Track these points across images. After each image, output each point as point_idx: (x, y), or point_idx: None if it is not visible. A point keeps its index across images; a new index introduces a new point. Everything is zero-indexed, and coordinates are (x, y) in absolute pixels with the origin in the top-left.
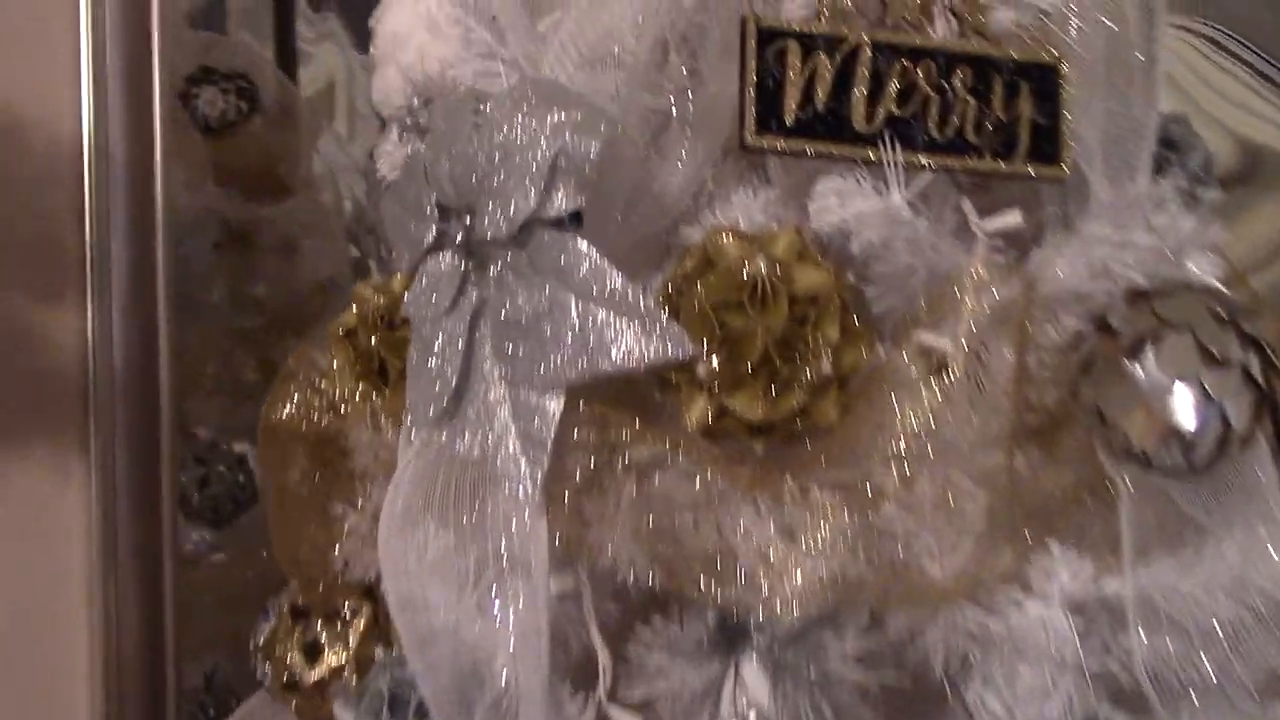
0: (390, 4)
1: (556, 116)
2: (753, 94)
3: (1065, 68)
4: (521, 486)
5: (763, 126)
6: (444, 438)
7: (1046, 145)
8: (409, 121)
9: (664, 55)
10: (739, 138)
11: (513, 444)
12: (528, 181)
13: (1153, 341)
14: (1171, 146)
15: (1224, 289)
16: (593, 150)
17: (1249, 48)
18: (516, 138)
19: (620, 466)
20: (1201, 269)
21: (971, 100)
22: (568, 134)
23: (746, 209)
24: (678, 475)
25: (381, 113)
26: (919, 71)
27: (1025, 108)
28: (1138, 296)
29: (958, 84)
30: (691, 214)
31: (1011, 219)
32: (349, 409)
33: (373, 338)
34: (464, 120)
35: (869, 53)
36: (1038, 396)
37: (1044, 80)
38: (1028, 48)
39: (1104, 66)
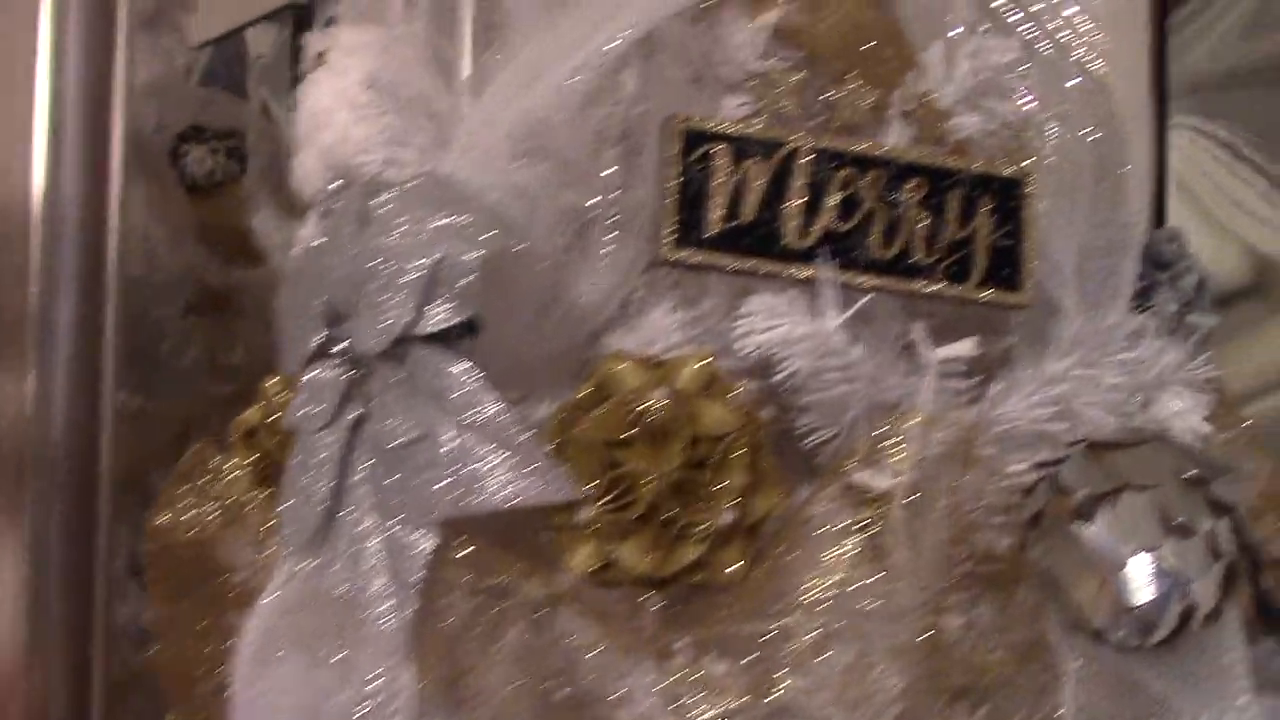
0: (313, 80)
1: (441, 220)
2: (673, 202)
3: (1033, 181)
4: (388, 629)
5: (682, 238)
6: (312, 567)
7: (1007, 268)
8: (324, 208)
9: (598, 150)
10: (655, 250)
11: (381, 582)
12: (405, 292)
13: (1108, 502)
14: (1163, 266)
15: (1196, 442)
16: (475, 260)
17: (1266, 154)
18: (398, 241)
19: (502, 613)
20: (1184, 407)
21: (923, 215)
22: (451, 241)
23: (663, 328)
24: (562, 626)
25: (301, 196)
26: (865, 181)
27: (984, 226)
28: (1096, 448)
29: (908, 197)
30: (614, 326)
31: (965, 347)
32: (238, 519)
33: (274, 439)
34: (355, 216)
35: (809, 159)
36: (987, 546)
37: (1006, 195)
38: (993, 158)
39: (1083, 180)
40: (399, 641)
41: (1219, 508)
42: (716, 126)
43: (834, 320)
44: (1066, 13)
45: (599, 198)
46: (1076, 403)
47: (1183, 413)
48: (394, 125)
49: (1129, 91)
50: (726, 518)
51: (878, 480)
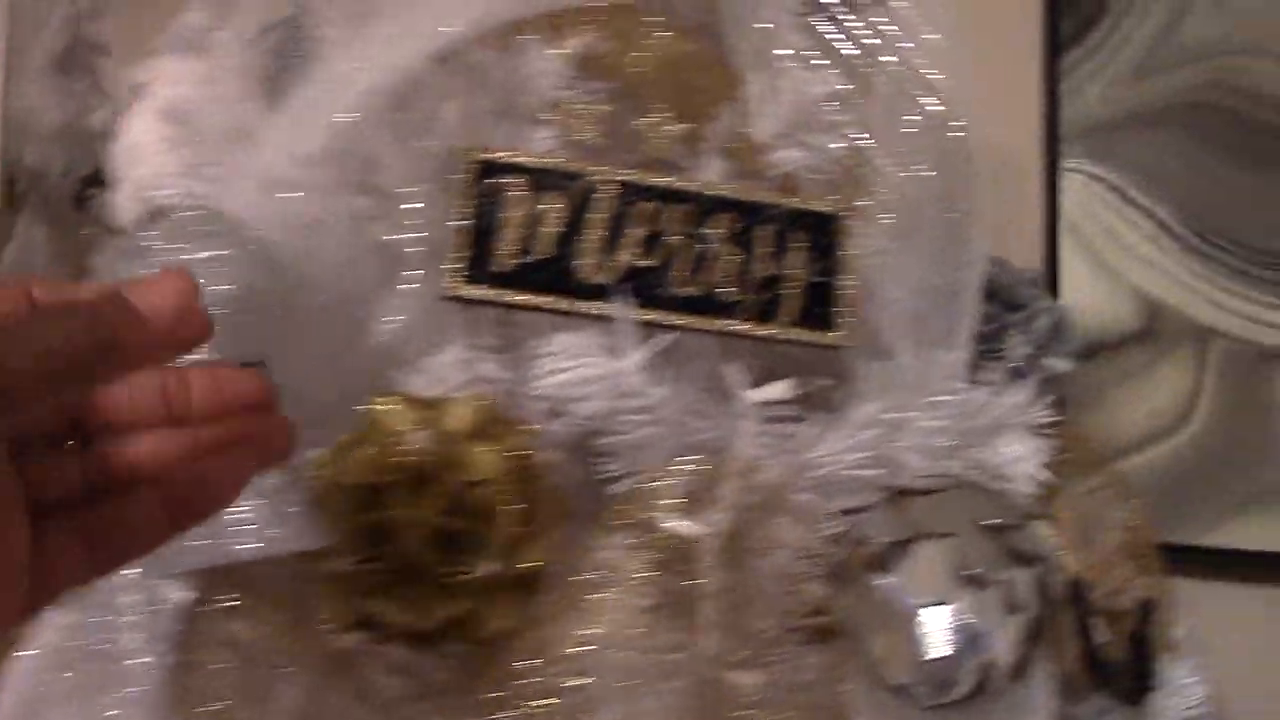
0: (132, 115)
1: (201, 254)
2: (462, 236)
3: (851, 218)
4: (144, 685)
5: (470, 273)
6: (69, 620)
7: (819, 307)
8: (131, 244)
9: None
10: (442, 285)
11: (137, 637)
12: None
13: (903, 552)
14: (1015, 308)
15: (1033, 488)
16: (229, 292)
17: (1153, 196)
18: None
19: (273, 670)
20: (1021, 452)
21: (732, 252)
22: (206, 274)
23: (452, 368)
24: (327, 684)
25: (118, 229)
26: (670, 216)
27: (796, 263)
28: (898, 496)
29: (716, 232)
30: (407, 366)
31: (779, 389)
32: None
33: None
34: (134, 249)
35: (611, 192)
36: (796, 599)
37: (821, 232)
38: (820, 195)
39: (920, 219)
40: (156, 698)
41: (1021, 558)
42: (511, 158)
43: (632, 360)
44: (904, 47)
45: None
46: (894, 447)
47: (1020, 458)
48: (191, 156)
49: (1020, 134)
50: (489, 569)
51: (686, 528)
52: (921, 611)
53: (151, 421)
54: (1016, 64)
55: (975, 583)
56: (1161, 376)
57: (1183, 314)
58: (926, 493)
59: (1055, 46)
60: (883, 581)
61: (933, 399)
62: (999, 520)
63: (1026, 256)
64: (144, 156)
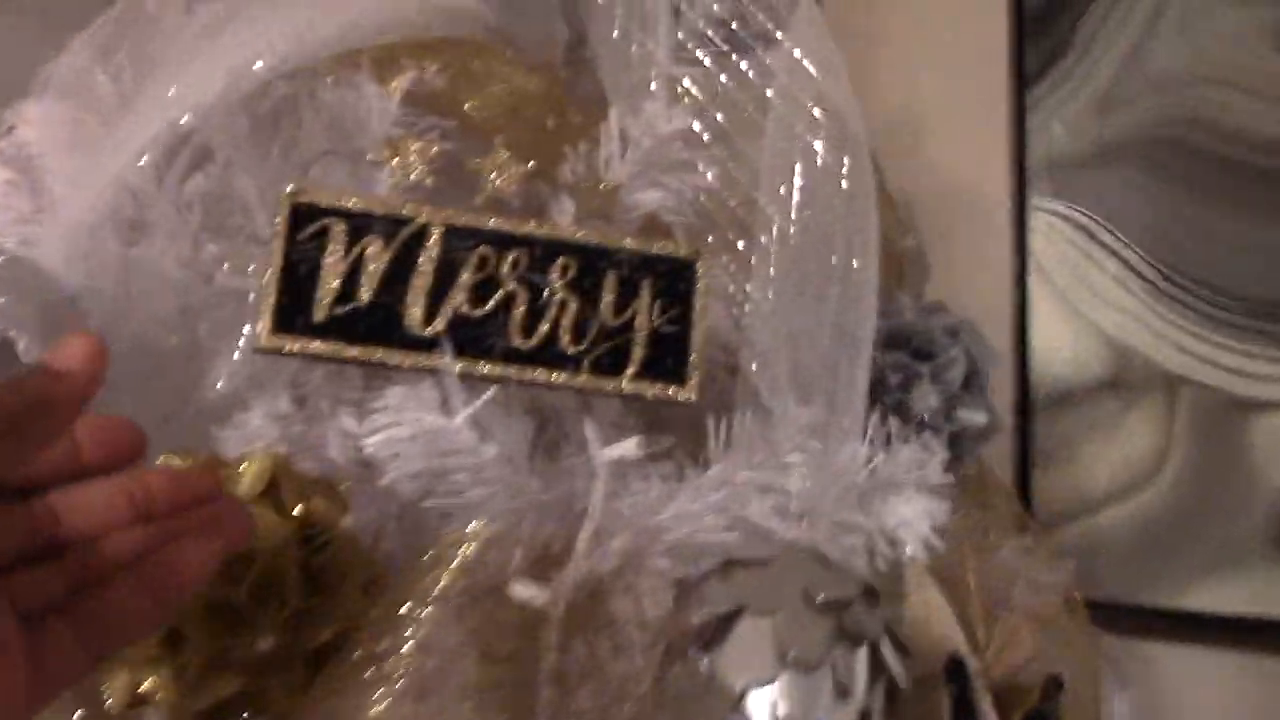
0: None
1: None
2: (275, 283)
3: (707, 263)
4: None
5: (284, 323)
6: None
7: (671, 359)
8: None
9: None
10: (254, 336)
11: None
12: None
13: (729, 629)
14: (924, 356)
15: (924, 552)
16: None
17: (1118, 236)
18: None
19: None
20: (912, 514)
21: (573, 300)
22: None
23: (257, 424)
24: None
25: None
26: (505, 262)
27: (644, 311)
28: (729, 565)
29: (555, 279)
30: (225, 422)
31: (629, 447)
32: None
33: None
34: None
35: (439, 236)
36: (634, 672)
37: (674, 279)
38: (686, 238)
39: (805, 265)
40: None
41: (854, 638)
42: (330, 200)
43: (460, 416)
44: (793, 87)
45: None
46: (750, 510)
47: (910, 520)
48: (21, 203)
49: (988, 172)
50: (264, 645)
51: (534, 594)
52: (745, 692)
53: (120, 524)
54: (984, 97)
55: (798, 664)
56: (1130, 427)
57: (1151, 361)
58: (760, 562)
59: (1022, 79)
60: (706, 658)
61: (796, 457)
62: (832, 595)
63: (995, 299)
64: None
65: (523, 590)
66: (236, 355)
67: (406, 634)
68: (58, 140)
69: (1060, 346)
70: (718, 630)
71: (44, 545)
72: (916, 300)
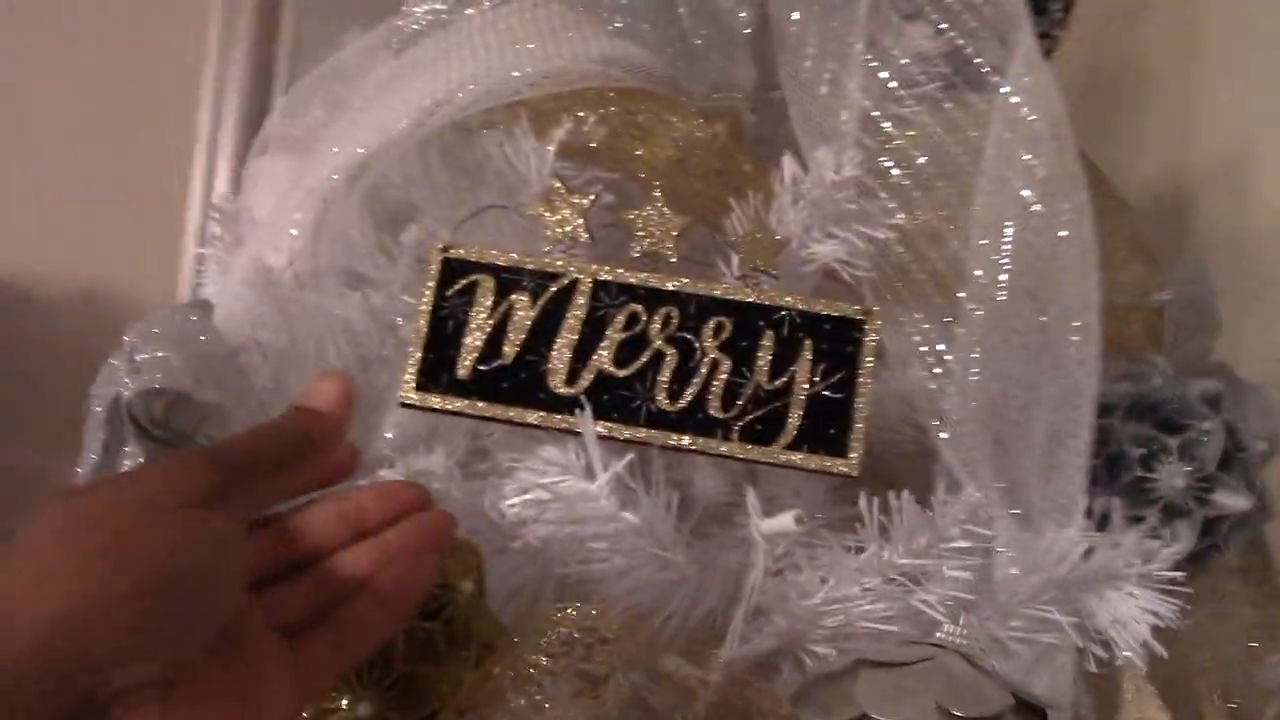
0: None
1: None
2: (421, 338)
3: (875, 323)
4: None
5: (429, 379)
6: None
7: (832, 428)
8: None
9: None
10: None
11: None
12: None
13: None
14: (1173, 429)
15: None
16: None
17: None
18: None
19: None
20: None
21: (726, 361)
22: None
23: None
24: None
25: None
26: (655, 319)
27: (804, 374)
28: (860, 665)
29: (708, 339)
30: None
31: (786, 522)
32: None
33: None
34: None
35: (588, 292)
36: None
37: (840, 339)
38: (833, 295)
39: (1012, 319)
40: None
41: None
42: (479, 255)
43: (600, 480)
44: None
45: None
46: (915, 599)
47: (1125, 619)
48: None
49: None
50: (362, 711)
51: (687, 670)
52: None
53: (339, 540)
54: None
55: None
56: None
57: None
58: (897, 664)
59: None
60: None
61: (962, 543)
62: (969, 711)
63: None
64: None
65: (678, 665)
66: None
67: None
68: (262, 191)
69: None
70: None
71: (284, 565)
72: (1205, 358)
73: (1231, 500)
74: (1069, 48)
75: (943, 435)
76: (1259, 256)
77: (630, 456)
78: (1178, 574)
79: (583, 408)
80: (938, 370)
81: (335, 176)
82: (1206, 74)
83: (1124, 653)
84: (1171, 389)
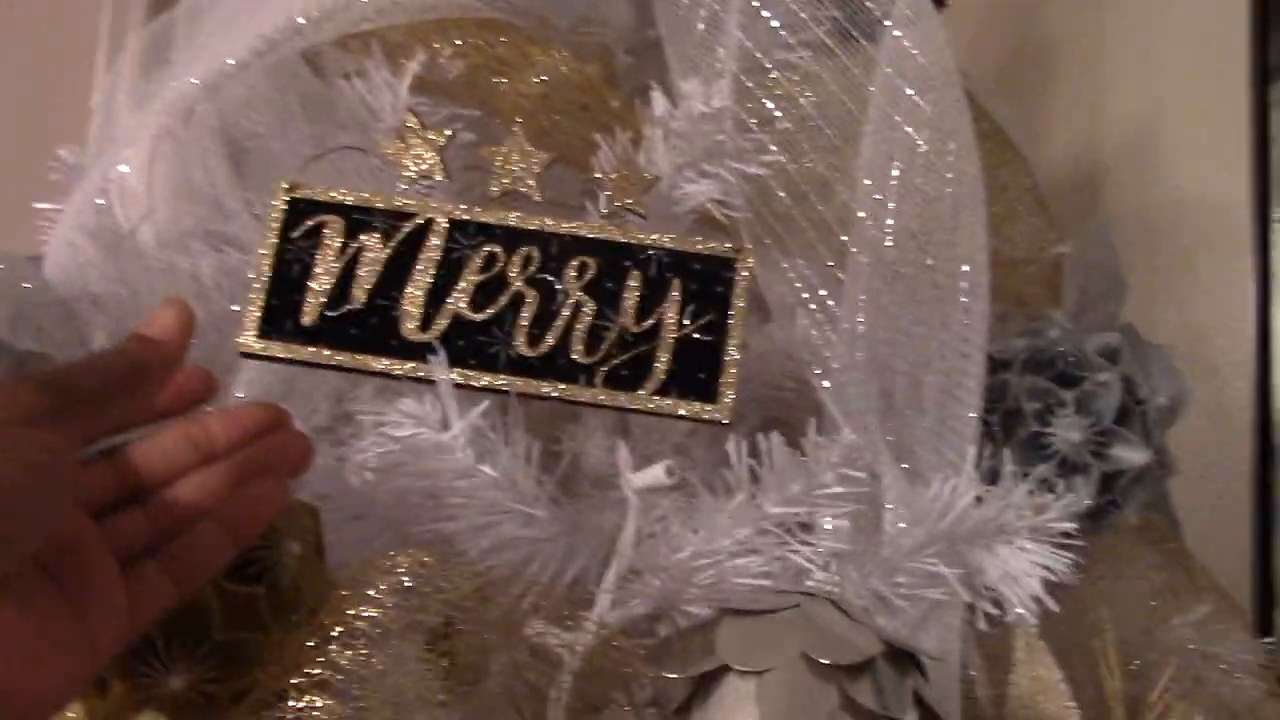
0: None
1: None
2: (263, 284)
3: (749, 261)
4: None
5: (270, 327)
6: None
7: (701, 372)
8: None
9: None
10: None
11: None
12: None
13: (710, 692)
14: (1069, 382)
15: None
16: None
17: None
18: None
19: None
20: (1020, 568)
21: (590, 303)
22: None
23: None
24: None
25: None
26: (514, 261)
27: (672, 317)
28: (726, 617)
29: (571, 280)
30: None
31: (657, 474)
32: None
33: None
34: None
35: (442, 233)
36: None
37: (710, 280)
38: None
39: (899, 266)
40: None
41: (862, 712)
42: (324, 194)
43: (452, 430)
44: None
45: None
46: (790, 550)
47: (1015, 574)
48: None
49: (1227, 181)
50: (176, 683)
51: (556, 637)
52: None
53: (191, 467)
54: (1222, 96)
55: None
56: None
57: None
58: (763, 614)
59: (1264, 74)
60: None
61: (837, 489)
62: (837, 658)
63: (1235, 326)
64: None
65: (544, 633)
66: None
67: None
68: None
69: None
70: (698, 693)
71: (130, 494)
72: (1111, 325)
73: (1129, 454)
74: (982, 33)
75: (826, 386)
76: (1169, 234)
77: (487, 404)
78: (1070, 526)
79: (437, 354)
80: (821, 319)
81: (166, 112)
82: (1115, 54)
83: (1016, 609)
84: (1069, 342)
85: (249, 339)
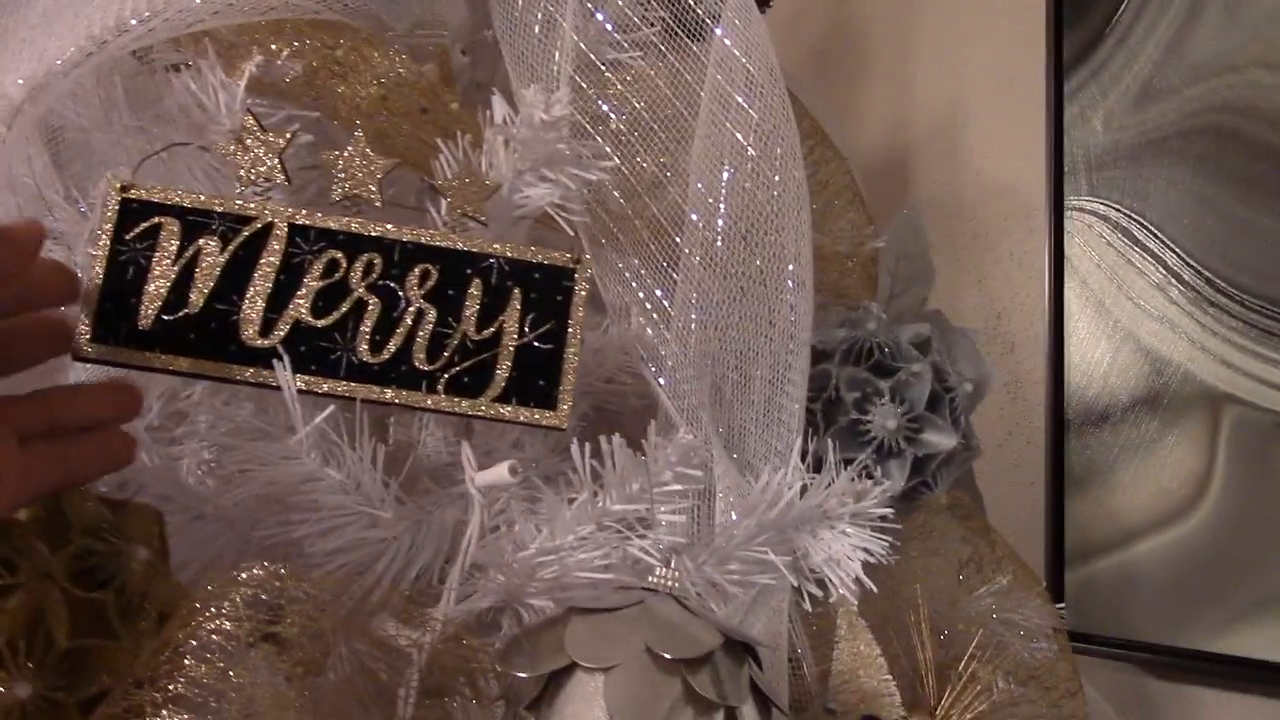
0: None
1: None
2: (96, 286)
3: (588, 271)
4: None
5: (106, 331)
6: None
7: (541, 380)
8: None
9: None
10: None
11: None
12: None
13: (560, 688)
14: (884, 372)
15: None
16: None
17: (1161, 238)
18: None
19: None
20: (842, 551)
21: (432, 311)
22: None
23: None
24: None
25: None
26: (356, 267)
27: (512, 325)
28: (571, 614)
29: (413, 287)
30: None
31: (500, 473)
32: None
33: None
34: None
35: (283, 237)
36: None
37: (550, 288)
38: (543, 245)
39: (729, 265)
40: None
41: (703, 702)
42: (161, 195)
43: (296, 436)
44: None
45: None
46: (631, 546)
47: (839, 558)
48: None
49: (1026, 167)
50: (21, 691)
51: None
52: None
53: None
54: (1022, 87)
55: None
56: (1169, 450)
57: (1193, 376)
58: (607, 611)
59: (1060, 66)
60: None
61: (675, 485)
62: (678, 651)
63: (1032, 307)
64: None
65: (393, 629)
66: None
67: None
68: None
69: (1098, 359)
70: (547, 689)
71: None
72: (920, 308)
73: (939, 439)
74: (799, 15)
75: (661, 382)
76: (973, 214)
77: (331, 409)
78: (888, 510)
79: (281, 359)
80: (656, 318)
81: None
82: (921, 42)
83: (838, 590)
84: (885, 334)
85: (82, 343)
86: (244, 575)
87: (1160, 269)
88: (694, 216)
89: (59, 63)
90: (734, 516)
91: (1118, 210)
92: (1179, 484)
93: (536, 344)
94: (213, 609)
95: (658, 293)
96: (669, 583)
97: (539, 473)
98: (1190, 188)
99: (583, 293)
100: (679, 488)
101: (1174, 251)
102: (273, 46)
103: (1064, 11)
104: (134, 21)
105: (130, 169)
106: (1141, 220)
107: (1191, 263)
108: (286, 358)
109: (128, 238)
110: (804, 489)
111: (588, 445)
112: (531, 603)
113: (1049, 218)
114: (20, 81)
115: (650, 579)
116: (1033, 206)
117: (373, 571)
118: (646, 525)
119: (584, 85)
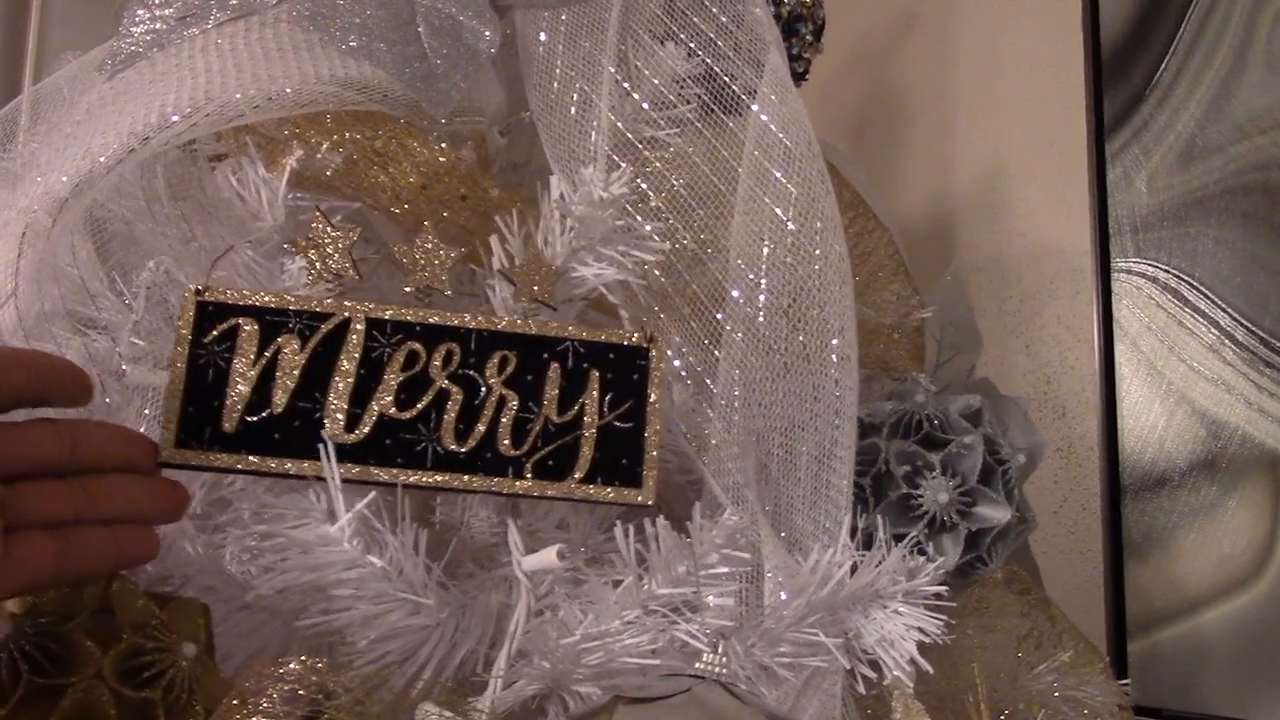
0: None
1: None
2: (178, 391)
3: (664, 350)
4: None
5: (190, 436)
6: None
7: (624, 458)
8: None
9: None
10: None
11: None
12: None
13: None
14: (934, 445)
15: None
16: None
17: (1213, 301)
18: None
19: None
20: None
21: (512, 396)
22: None
23: None
24: None
25: None
26: (436, 357)
27: (593, 407)
28: (618, 703)
29: (493, 374)
30: None
31: (548, 558)
32: None
33: None
34: None
35: (363, 331)
36: None
37: (624, 368)
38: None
39: (772, 341)
40: None
41: None
42: (239, 297)
43: (339, 523)
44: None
45: None
46: (678, 630)
47: (891, 638)
48: None
49: (1069, 230)
50: None
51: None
52: None
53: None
54: (1063, 150)
55: None
56: (1230, 515)
57: (1251, 438)
58: (654, 699)
59: (1100, 128)
60: None
61: (722, 569)
62: None
63: (1081, 371)
64: None
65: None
66: None
67: None
68: None
69: (1152, 423)
70: None
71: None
72: (967, 377)
73: (993, 512)
74: (838, 87)
75: (705, 461)
76: (1019, 278)
77: (373, 494)
78: (942, 589)
79: (363, 455)
80: (699, 395)
81: (36, 209)
82: (960, 107)
83: (892, 671)
84: (934, 406)
85: (169, 450)
86: (282, 670)
87: (1213, 330)
88: (735, 293)
89: (103, 159)
90: (783, 597)
91: (1166, 271)
92: (1241, 550)
93: (617, 423)
94: (250, 705)
95: (700, 370)
96: (717, 668)
97: (585, 556)
98: (1239, 246)
99: (658, 371)
100: (726, 570)
101: (1226, 312)
102: (313, 139)
103: (1103, 72)
104: (176, 117)
105: (172, 258)
106: (1191, 280)
107: (1245, 322)
108: (331, 444)
109: (205, 341)
110: (854, 567)
111: (631, 527)
112: (577, 689)
113: (1096, 281)
114: (65, 179)
115: (698, 665)
116: (1079, 269)
117: (416, 659)
118: (693, 608)
119: (621, 164)
